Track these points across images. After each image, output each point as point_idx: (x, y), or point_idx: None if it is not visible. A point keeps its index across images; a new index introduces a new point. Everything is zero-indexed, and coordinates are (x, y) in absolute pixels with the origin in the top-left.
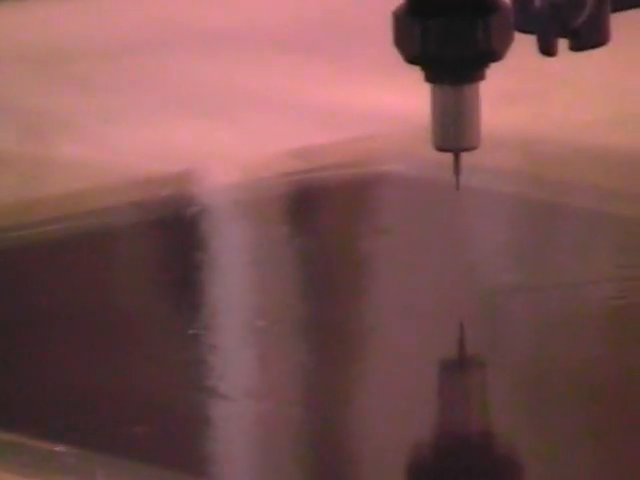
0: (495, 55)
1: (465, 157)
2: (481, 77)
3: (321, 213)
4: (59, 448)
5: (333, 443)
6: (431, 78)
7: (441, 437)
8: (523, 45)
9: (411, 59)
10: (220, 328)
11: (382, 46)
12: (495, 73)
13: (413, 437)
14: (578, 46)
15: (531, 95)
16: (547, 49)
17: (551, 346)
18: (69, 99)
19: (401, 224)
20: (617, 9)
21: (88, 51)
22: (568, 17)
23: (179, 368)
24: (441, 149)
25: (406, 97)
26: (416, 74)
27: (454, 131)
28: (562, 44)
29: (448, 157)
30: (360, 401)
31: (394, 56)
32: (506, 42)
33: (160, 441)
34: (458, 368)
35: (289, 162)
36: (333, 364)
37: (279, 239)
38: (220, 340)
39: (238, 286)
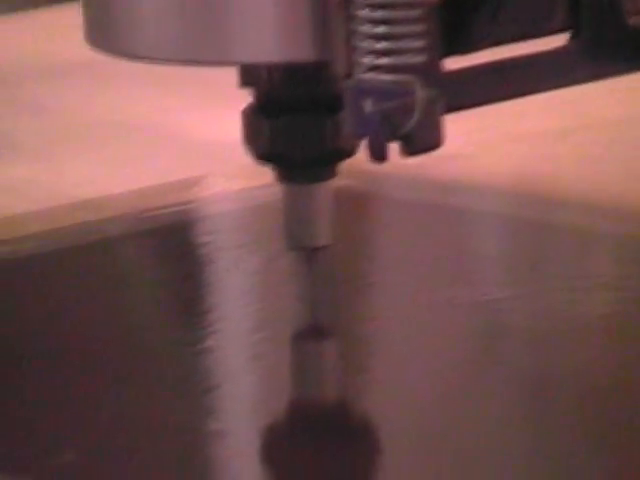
0: (344, 153)
1: (409, 169)
2: (332, 175)
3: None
4: None
5: None
6: (281, 177)
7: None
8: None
9: (261, 157)
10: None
11: None
12: None
13: None
14: (410, 151)
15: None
16: (377, 155)
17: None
18: None
19: (354, 238)
20: (449, 110)
21: None
22: (398, 122)
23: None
24: (294, 248)
25: None
26: None
27: (307, 229)
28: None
29: (398, 171)
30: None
31: None
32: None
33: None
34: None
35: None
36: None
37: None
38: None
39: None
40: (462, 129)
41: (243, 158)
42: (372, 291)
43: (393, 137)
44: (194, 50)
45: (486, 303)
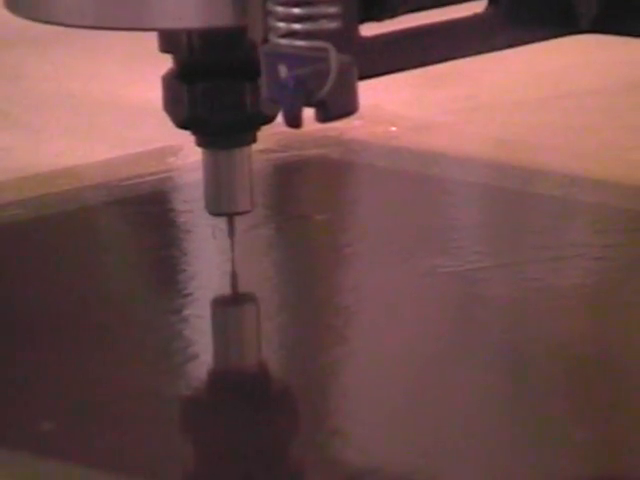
0: (264, 118)
1: (389, 139)
2: (252, 140)
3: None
4: None
5: None
6: (201, 143)
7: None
8: None
9: (180, 123)
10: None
11: None
12: None
13: None
14: (325, 117)
15: (459, 77)
16: (292, 121)
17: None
18: None
19: (335, 208)
20: (364, 76)
21: None
22: (313, 88)
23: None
24: (214, 213)
25: None
26: None
27: (227, 195)
28: None
29: (377, 141)
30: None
31: None
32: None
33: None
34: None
35: None
36: None
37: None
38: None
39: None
40: (442, 98)
41: None
42: (352, 261)
43: (308, 103)
44: (113, 16)
45: (467, 273)
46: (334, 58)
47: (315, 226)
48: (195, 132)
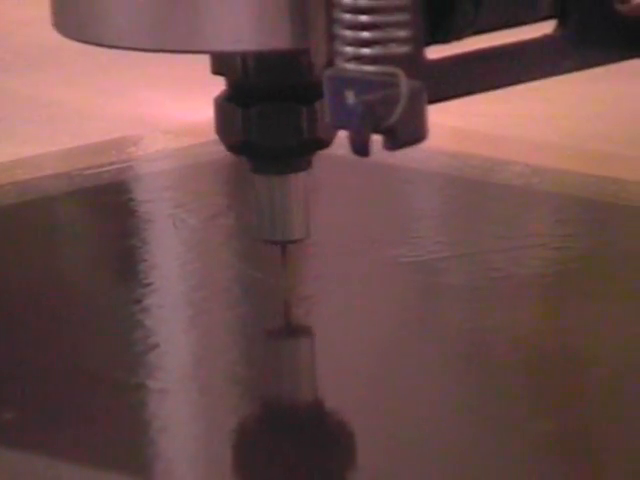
0: (321, 143)
1: None
2: (307, 166)
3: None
4: None
5: None
6: (255, 168)
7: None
8: None
9: (233, 148)
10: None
11: None
12: None
13: None
14: (393, 144)
15: None
16: (360, 149)
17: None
18: None
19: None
20: (431, 101)
21: None
22: (381, 114)
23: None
24: (268, 241)
25: None
26: None
27: (281, 222)
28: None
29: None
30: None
31: None
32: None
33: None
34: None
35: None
36: None
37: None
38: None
39: None
40: None
41: None
42: (312, 251)
43: (376, 130)
44: (167, 38)
45: (427, 262)
46: (404, 84)
47: None
48: (248, 157)
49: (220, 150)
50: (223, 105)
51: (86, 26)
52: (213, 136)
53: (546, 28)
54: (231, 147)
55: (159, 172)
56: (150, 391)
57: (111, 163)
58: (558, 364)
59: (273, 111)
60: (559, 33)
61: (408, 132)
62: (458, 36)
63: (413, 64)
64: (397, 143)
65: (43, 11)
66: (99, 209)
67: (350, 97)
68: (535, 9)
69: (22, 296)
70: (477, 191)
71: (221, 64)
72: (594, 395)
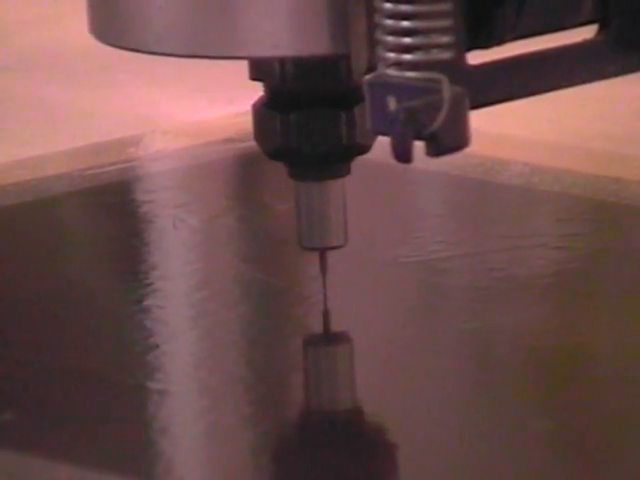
0: (360, 149)
1: None
2: (347, 172)
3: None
4: None
5: None
6: (294, 174)
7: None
8: None
9: (271, 154)
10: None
11: None
12: None
13: None
14: (436, 151)
15: None
16: (402, 155)
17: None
18: None
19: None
20: (472, 107)
21: None
22: (424, 121)
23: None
24: (306, 247)
25: None
26: None
27: (320, 229)
28: None
29: None
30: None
31: None
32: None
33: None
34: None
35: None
36: None
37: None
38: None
39: None
40: None
41: None
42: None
43: (418, 136)
44: (206, 44)
45: (427, 262)
46: (447, 89)
47: (277, 216)
48: (287, 163)
49: (219, 150)
50: (261, 111)
51: (124, 32)
52: (213, 137)
53: (587, 33)
54: (269, 153)
55: (159, 172)
56: (149, 392)
57: (112, 163)
58: (559, 363)
59: (312, 117)
60: (600, 38)
61: (451, 138)
62: (499, 41)
63: (455, 70)
64: (440, 149)
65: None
66: (99, 210)
67: (392, 103)
68: (576, 14)
69: (22, 297)
70: (477, 190)
71: (259, 70)
72: (594, 394)
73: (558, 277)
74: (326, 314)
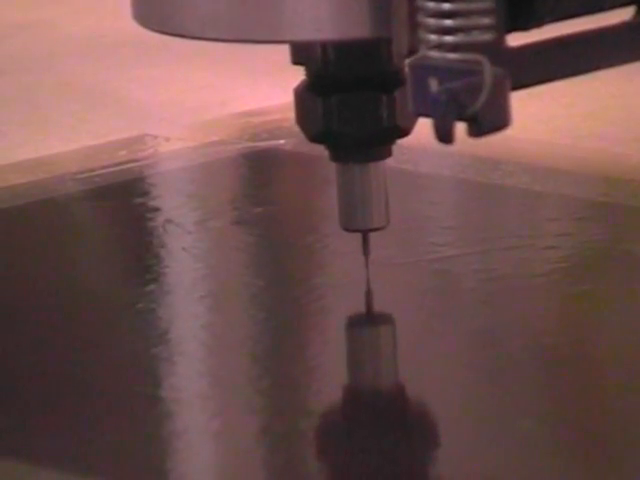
0: (401, 131)
1: None
2: (387, 154)
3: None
4: None
5: None
6: (335, 157)
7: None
8: None
9: (313, 137)
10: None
11: None
12: None
13: None
14: (478, 132)
15: None
16: (444, 136)
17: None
18: None
19: (289, 200)
20: (514, 88)
21: None
22: (465, 102)
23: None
24: (348, 229)
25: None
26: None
27: (361, 211)
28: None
29: None
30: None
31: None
32: (412, 117)
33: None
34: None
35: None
36: None
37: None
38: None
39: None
40: None
41: None
42: (307, 253)
43: (460, 117)
44: (249, 28)
45: (421, 264)
46: (488, 71)
47: (270, 218)
48: (328, 146)
49: (217, 152)
50: (303, 95)
51: (168, 18)
52: (209, 138)
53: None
54: (311, 136)
55: (159, 173)
56: (149, 394)
57: (111, 165)
58: (553, 361)
59: (353, 100)
60: (638, 20)
61: (492, 119)
62: (538, 23)
63: (496, 51)
64: (481, 130)
65: None
66: (99, 211)
67: (434, 85)
68: None
69: (22, 298)
70: (474, 191)
71: (301, 54)
72: (593, 393)
73: (556, 277)
74: (368, 296)
